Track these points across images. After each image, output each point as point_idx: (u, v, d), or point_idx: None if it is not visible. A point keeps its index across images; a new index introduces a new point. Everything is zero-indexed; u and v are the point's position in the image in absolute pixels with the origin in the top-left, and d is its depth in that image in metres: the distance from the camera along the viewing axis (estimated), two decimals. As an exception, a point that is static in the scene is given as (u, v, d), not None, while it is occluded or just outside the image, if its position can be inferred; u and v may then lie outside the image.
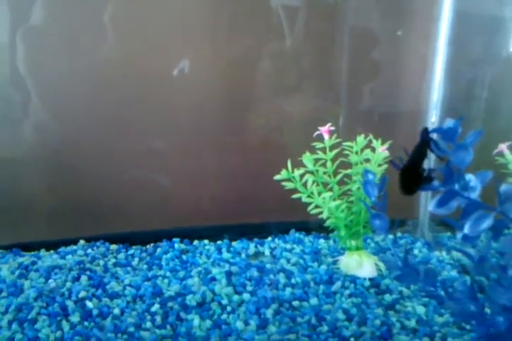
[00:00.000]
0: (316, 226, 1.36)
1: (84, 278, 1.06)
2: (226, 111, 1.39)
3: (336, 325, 0.90)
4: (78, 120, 1.30)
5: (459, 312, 0.72)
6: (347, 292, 1.02)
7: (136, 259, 1.21)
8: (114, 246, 1.28)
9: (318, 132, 1.12)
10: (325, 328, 0.89)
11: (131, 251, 1.26)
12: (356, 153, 1.12)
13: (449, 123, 0.68)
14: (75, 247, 1.26)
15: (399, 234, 1.36)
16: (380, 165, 1.11)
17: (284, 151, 1.35)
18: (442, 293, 0.74)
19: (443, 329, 0.88)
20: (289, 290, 1.03)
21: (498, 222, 0.64)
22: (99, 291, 1.02)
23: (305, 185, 1.09)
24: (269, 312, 0.93)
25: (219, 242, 1.33)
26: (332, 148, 1.11)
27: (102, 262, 1.17)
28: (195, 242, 1.32)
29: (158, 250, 1.26)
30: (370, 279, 1.07)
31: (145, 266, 1.17)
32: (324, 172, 1.12)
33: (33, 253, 1.24)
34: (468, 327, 0.86)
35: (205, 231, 1.36)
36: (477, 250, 0.72)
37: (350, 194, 1.12)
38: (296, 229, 1.39)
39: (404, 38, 1.43)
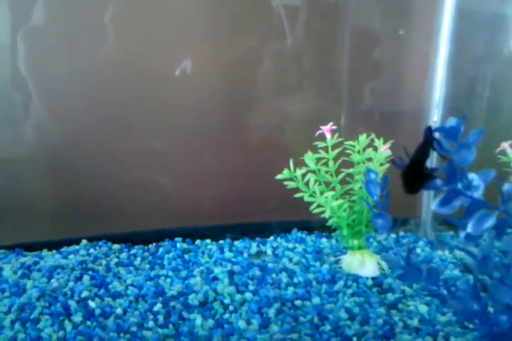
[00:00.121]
0: (318, 226, 1.37)
1: (86, 278, 1.06)
2: (227, 111, 1.39)
3: (339, 324, 0.90)
4: (79, 120, 1.30)
5: (462, 311, 0.72)
6: (349, 291, 1.02)
7: (139, 259, 1.21)
8: (116, 246, 1.28)
9: (320, 131, 1.12)
10: (327, 327, 0.88)
11: (133, 251, 1.26)
12: (358, 152, 1.12)
13: (452, 122, 0.68)
14: (77, 247, 1.26)
15: (401, 233, 1.36)
16: (382, 164, 1.11)
17: (285, 151, 1.35)
18: (445, 292, 0.74)
19: (446, 328, 0.88)
20: (291, 289, 1.03)
21: (501, 221, 0.64)
22: (102, 291, 1.02)
23: (307, 184, 1.09)
24: (271, 312, 0.93)
25: (221, 242, 1.33)
26: (334, 147, 1.11)
27: (104, 262, 1.17)
28: (197, 242, 1.32)
29: (161, 250, 1.26)
30: (373, 278, 1.07)
31: (147, 266, 1.17)
32: (326, 172, 1.11)
33: (35, 253, 1.24)
34: (471, 326, 0.86)
35: (207, 231, 1.36)
36: (480, 249, 0.72)
37: (352, 193, 1.12)
38: (298, 229, 1.39)
39: (406, 37, 1.43)
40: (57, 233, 1.31)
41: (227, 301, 0.98)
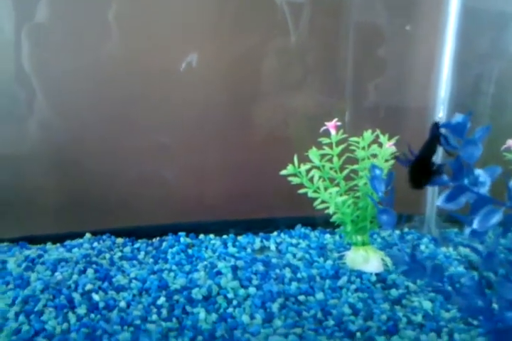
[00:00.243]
0: (321, 222, 1.36)
1: (90, 271, 1.06)
2: (232, 107, 1.38)
3: (342, 319, 0.90)
4: (84, 117, 1.30)
5: (467, 307, 0.72)
6: (353, 287, 1.02)
7: (142, 253, 1.21)
8: (120, 240, 1.28)
9: (324, 127, 1.12)
10: (331, 322, 0.88)
11: (137, 245, 1.26)
12: (363, 148, 1.12)
13: (458, 118, 0.67)
14: (81, 241, 1.27)
15: (405, 230, 1.36)
16: (386, 160, 1.11)
17: (290, 147, 1.35)
18: (449, 288, 0.74)
19: (450, 324, 0.88)
20: (294, 284, 1.03)
21: (507, 218, 0.64)
22: (106, 284, 1.02)
23: (311, 180, 1.09)
24: (274, 307, 0.93)
25: (224, 237, 1.33)
26: (338, 143, 1.11)
27: (108, 255, 1.17)
28: (201, 236, 1.32)
29: (164, 244, 1.26)
30: (377, 274, 1.07)
31: (151, 260, 1.18)
32: (330, 168, 1.11)
33: (39, 246, 1.25)
34: (475, 322, 0.86)
35: (210, 226, 1.36)
36: (485, 246, 0.72)
37: (356, 189, 1.12)
38: (302, 224, 1.39)
39: (411, 33, 1.42)
40: (61, 227, 1.31)
41: (230, 296, 0.98)
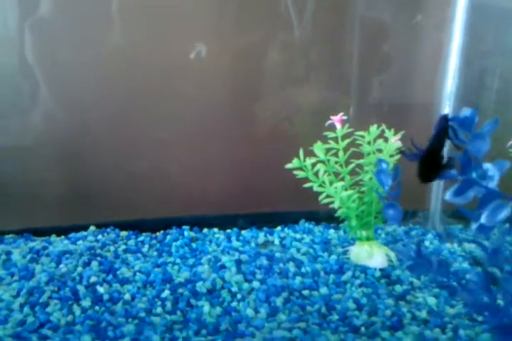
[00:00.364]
0: (325, 217, 1.36)
1: (94, 264, 1.06)
2: (236, 102, 1.38)
3: (347, 314, 0.89)
4: (89, 109, 1.30)
5: (473, 302, 0.71)
6: (357, 282, 1.02)
7: (146, 246, 1.21)
8: (124, 233, 1.28)
9: (330, 121, 1.11)
10: (335, 317, 0.88)
11: (141, 238, 1.26)
12: (369, 143, 1.12)
13: (466, 112, 0.67)
14: (85, 233, 1.27)
15: (410, 226, 1.36)
16: (392, 155, 1.11)
17: (294, 141, 1.34)
18: (454, 284, 0.74)
19: (454, 320, 0.88)
20: (298, 279, 1.02)
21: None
22: (110, 277, 1.02)
23: (316, 174, 1.08)
24: (279, 301, 0.93)
25: (228, 231, 1.33)
26: (344, 137, 1.10)
27: (112, 248, 1.17)
28: (205, 230, 1.32)
29: (168, 237, 1.26)
30: (381, 270, 1.07)
31: (155, 253, 1.18)
32: (336, 162, 1.11)
33: (43, 238, 1.25)
34: (480, 318, 0.86)
35: (214, 220, 1.36)
36: (491, 242, 0.71)
37: (361, 184, 1.12)
38: (306, 219, 1.39)
39: (418, 28, 1.41)
40: (66, 219, 1.31)
41: (234, 289, 0.98)
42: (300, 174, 1.08)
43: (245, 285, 0.99)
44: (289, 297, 0.96)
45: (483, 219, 0.63)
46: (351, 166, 1.11)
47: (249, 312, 0.90)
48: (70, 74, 1.26)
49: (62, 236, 1.26)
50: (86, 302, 0.91)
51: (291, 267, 1.08)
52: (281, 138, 1.40)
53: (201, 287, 0.98)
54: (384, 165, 0.83)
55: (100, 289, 0.96)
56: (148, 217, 1.35)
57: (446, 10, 1.33)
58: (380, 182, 0.83)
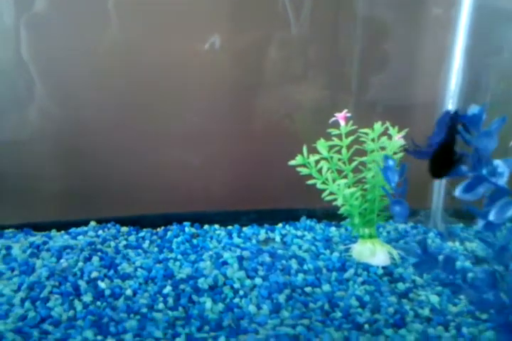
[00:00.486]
0: (327, 214, 1.36)
1: (95, 259, 1.05)
2: (238, 98, 1.37)
3: (349, 311, 0.89)
4: (88, 104, 1.29)
5: (478, 300, 0.71)
6: (360, 279, 1.02)
7: (147, 242, 1.21)
8: (124, 229, 1.28)
9: (334, 118, 1.11)
10: (338, 314, 0.88)
11: (141, 234, 1.25)
12: (373, 140, 1.11)
13: (474, 109, 0.67)
14: (85, 228, 1.26)
15: (411, 224, 1.35)
16: (395, 153, 1.10)
17: (297, 138, 1.34)
18: (459, 281, 0.73)
19: (457, 318, 0.87)
20: (301, 276, 1.02)
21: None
22: (111, 272, 1.01)
23: (320, 171, 1.08)
24: (281, 297, 0.93)
25: (229, 227, 1.32)
26: (347, 134, 1.10)
27: (113, 243, 1.17)
28: (206, 227, 1.32)
29: (169, 233, 1.26)
30: (383, 267, 1.07)
31: (156, 249, 1.17)
32: (339, 159, 1.10)
33: (44, 233, 1.24)
34: (483, 316, 0.86)
35: (215, 216, 1.35)
36: (497, 239, 0.71)
37: (364, 181, 1.11)
38: (307, 217, 1.39)
39: (422, 26, 1.41)
40: (66, 214, 1.30)
41: (236, 286, 0.98)
42: (303, 171, 1.07)
43: (247, 282, 0.99)
44: (292, 294, 0.95)
45: (491, 216, 0.62)
46: (354, 163, 1.11)
47: (252, 308, 0.89)
48: (65, 70, 1.25)
49: (63, 231, 1.25)
50: (87, 298, 0.91)
51: (294, 264, 1.07)
52: (283, 134, 1.39)
53: (203, 283, 0.98)
54: (390, 162, 0.83)
55: (101, 284, 0.96)
56: (148, 213, 1.34)
57: (452, 7, 1.33)
58: (386, 179, 0.82)
